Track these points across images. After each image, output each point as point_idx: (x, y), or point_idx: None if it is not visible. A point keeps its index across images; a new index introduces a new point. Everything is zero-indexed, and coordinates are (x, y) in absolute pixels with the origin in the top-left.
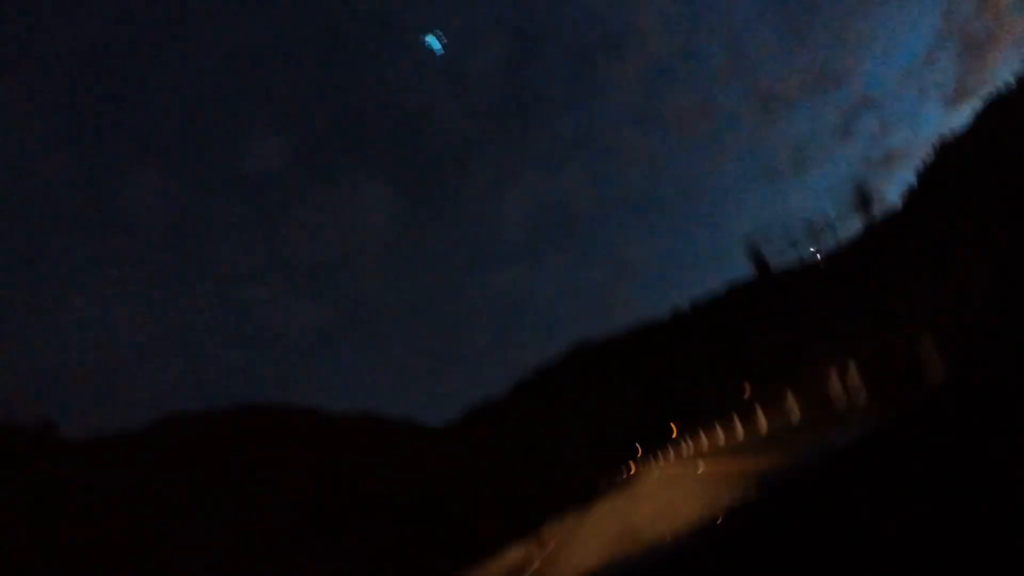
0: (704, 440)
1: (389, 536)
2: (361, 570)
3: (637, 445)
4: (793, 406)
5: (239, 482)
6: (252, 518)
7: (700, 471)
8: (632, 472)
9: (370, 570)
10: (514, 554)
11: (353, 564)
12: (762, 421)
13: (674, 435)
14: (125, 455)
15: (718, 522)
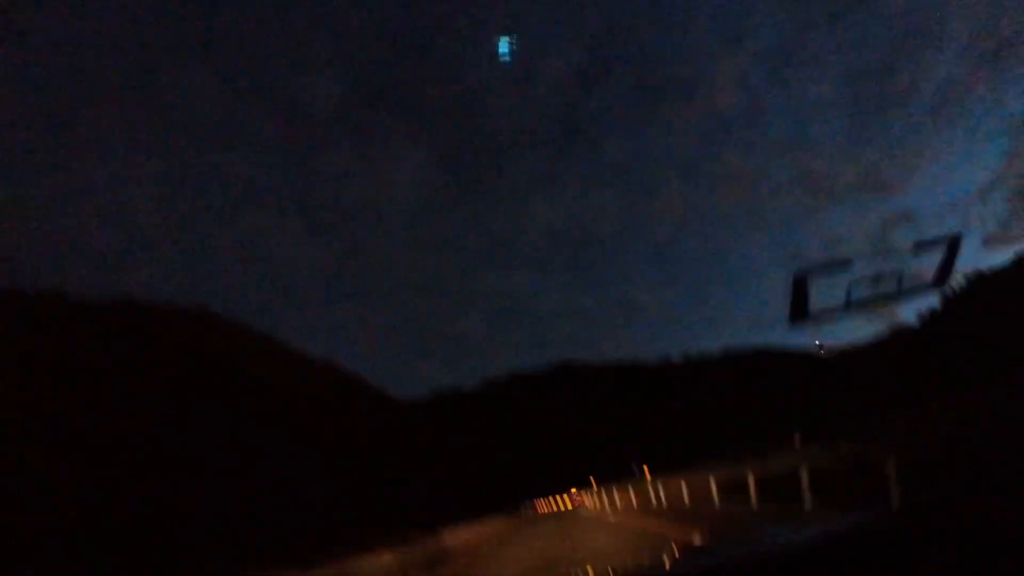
0: (635, 492)
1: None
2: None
3: (578, 477)
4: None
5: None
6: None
7: (624, 520)
8: (562, 502)
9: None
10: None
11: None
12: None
13: (616, 479)
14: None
15: None
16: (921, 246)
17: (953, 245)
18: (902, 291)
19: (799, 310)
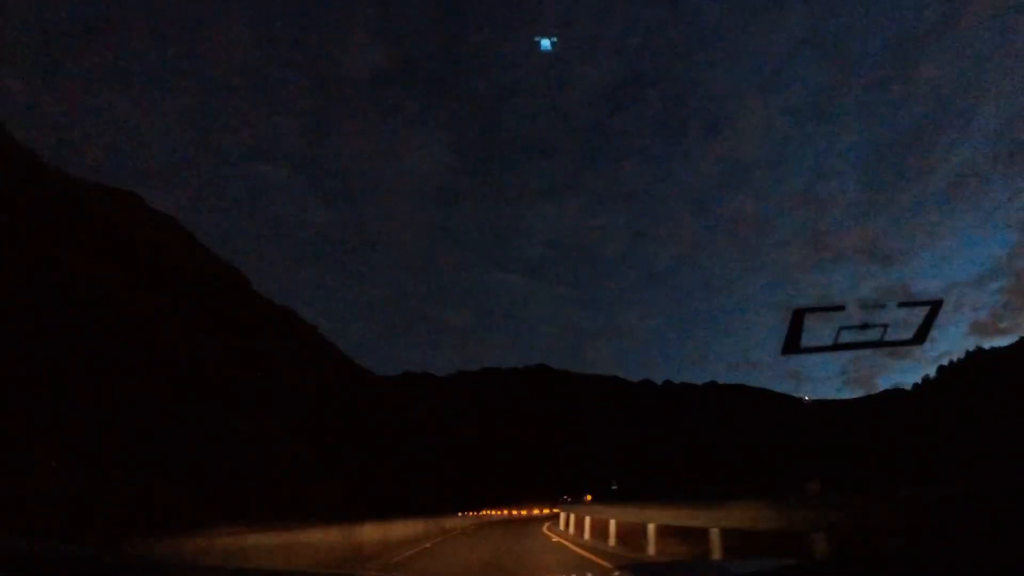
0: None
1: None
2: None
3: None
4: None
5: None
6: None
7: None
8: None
9: None
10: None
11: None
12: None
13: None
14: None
15: None
16: (906, 304)
17: (935, 308)
18: (884, 341)
19: (793, 342)
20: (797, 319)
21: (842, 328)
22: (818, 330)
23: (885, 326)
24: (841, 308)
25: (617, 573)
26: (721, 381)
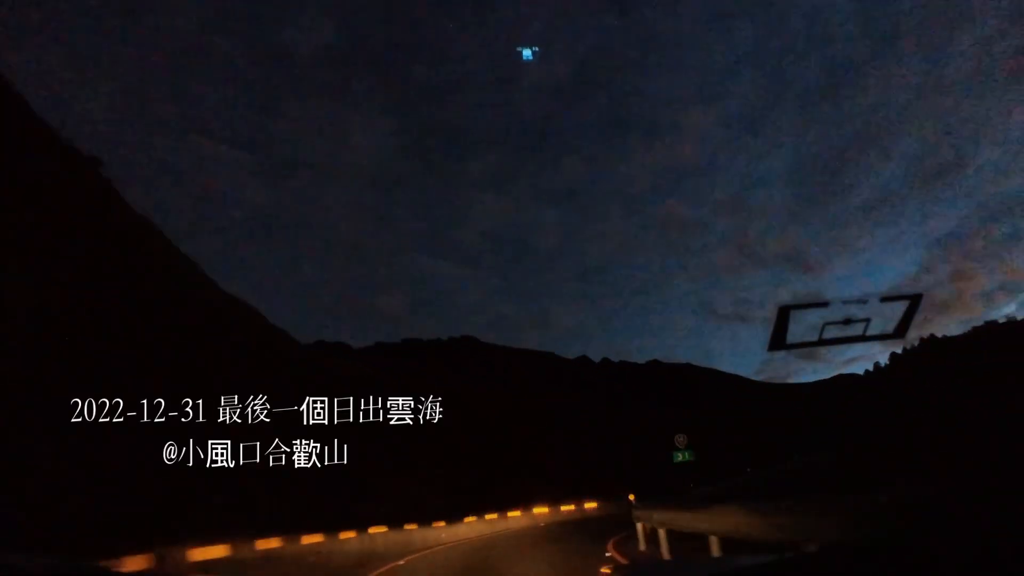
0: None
1: None
2: None
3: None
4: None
5: None
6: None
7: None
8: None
9: None
10: None
11: None
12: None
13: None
14: None
15: None
16: (888, 299)
17: (915, 302)
18: (867, 336)
19: (779, 338)
20: (782, 316)
21: (826, 324)
22: (803, 326)
23: (867, 321)
24: (825, 305)
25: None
26: (665, 360)
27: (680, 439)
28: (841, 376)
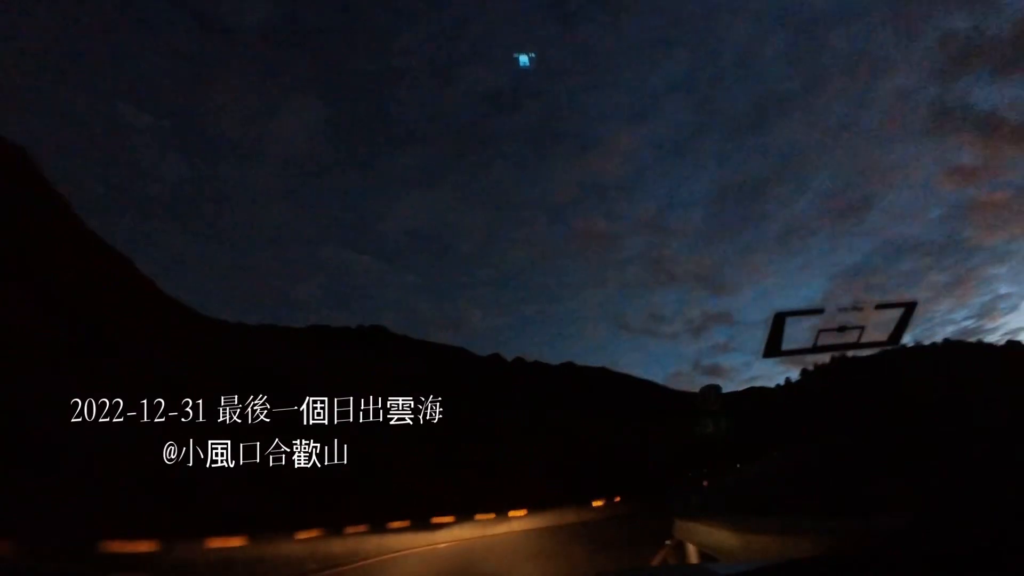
0: None
1: None
2: None
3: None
4: None
5: None
6: None
7: None
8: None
9: None
10: None
11: None
12: None
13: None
14: None
15: None
16: (883, 306)
17: (909, 310)
18: (861, 343)
19: (774, 345)
20: (778, 323)
21: (821, 331)
22: (797, 333)
23: (862, 328)
24: (820, 312)
25: None
26: (579, 362)
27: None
28: (752, 389)
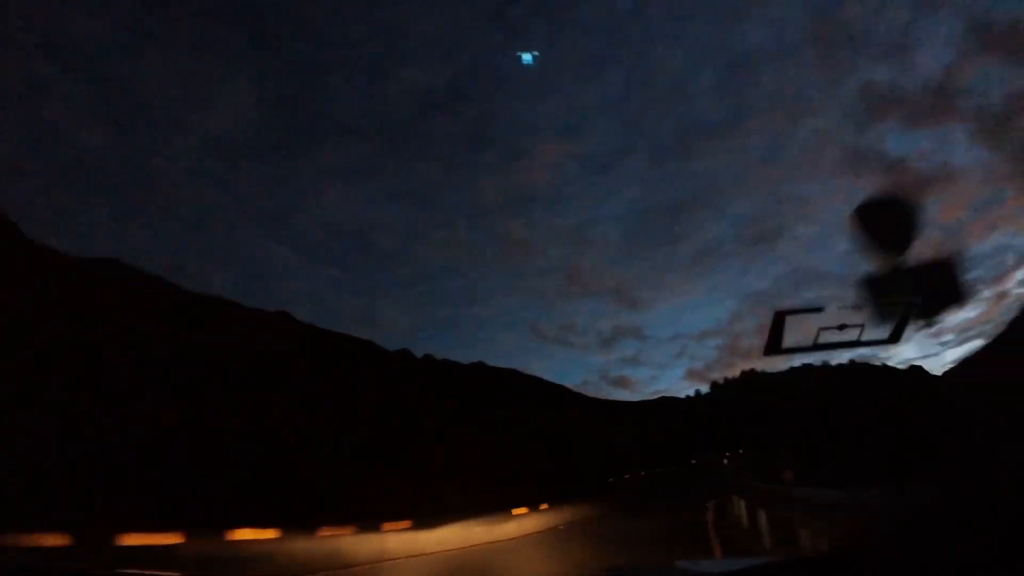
0: None
1: None
2: None
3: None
4: None
5: None
6: None
7: None
8: None
9: None
10: None
11: None
12: None
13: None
14: None
15: None
16: (883, 304)
17: (908, 308)
18: (861, 341)
19: (774, 343)
20: (778, 321)
21: (821, 329)
22: (798, 331)
23: (862, 326)
24: (820, 310)
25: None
26: (490, 363)
27: None
28: (664, 398)
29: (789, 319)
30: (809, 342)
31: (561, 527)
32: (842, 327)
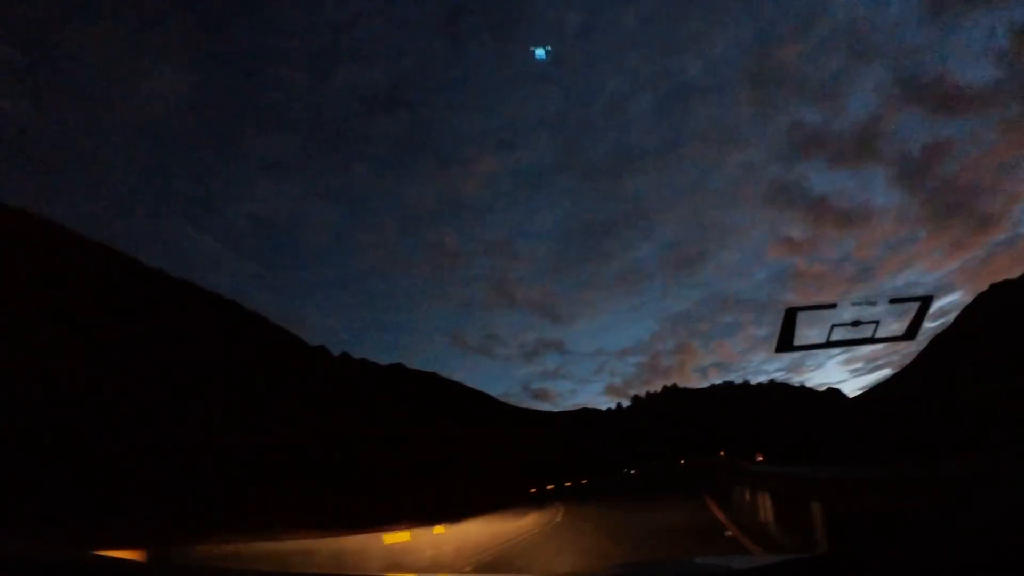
0: None
1: None
2: None
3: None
4: None
5: None
6: None
7: None
8: None
9: None
10: None
11: None
12: None
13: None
14: None
15: None
16: (897, 300)
17: (925, 304)
18: (876, 338)
19: (786, 340)
20: (789, 318)
21: (834, 326)
22: (811, 328)
23: (876, 323)
24: (832, 306)
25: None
26: (409, 366)
27: None
28: (585, 410)
29: (801, 316)
30: (822, 339)
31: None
32: (856, 324)
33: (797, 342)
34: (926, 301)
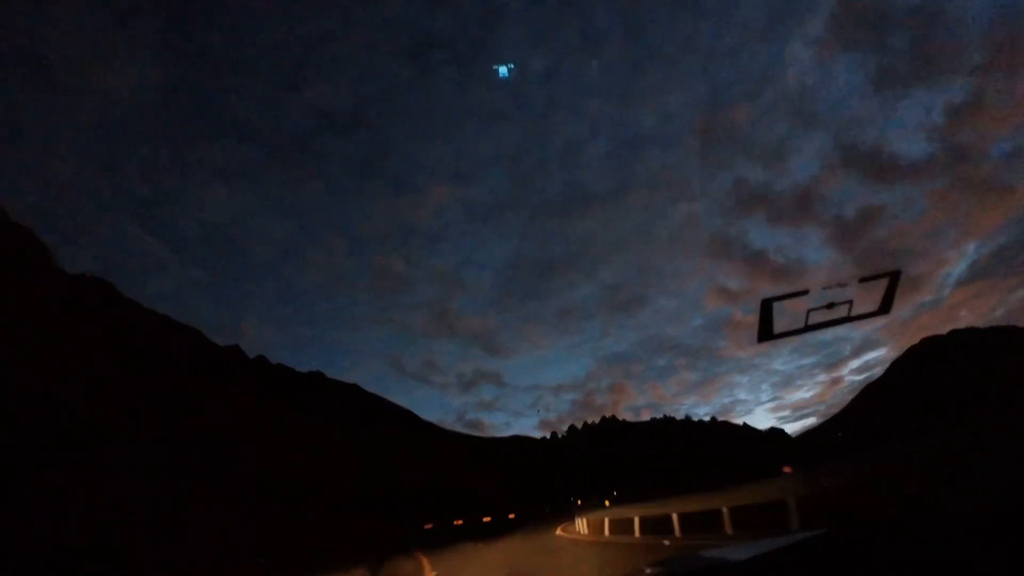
0: None
1: None
2: None
3: None
4: None
5: None
6: None
7: None
8: None
9: None
10: None
11: None
12: None
13: None
14: None
15: None
16: (867, 279)
17: (895, 278)
18: (852, 317)
19: (766, 330)
20: (766, 308)
21: (810, 310)
22: (788, 315)
23: (850, 302)
24: (805, 292)
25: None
26: (329, 374)
27: None
28: (517, 438)
29: (776, 305)
30: (800, 324)
31: None
32: (831, 306)
33: (778, 330)
34: (895, 275)
